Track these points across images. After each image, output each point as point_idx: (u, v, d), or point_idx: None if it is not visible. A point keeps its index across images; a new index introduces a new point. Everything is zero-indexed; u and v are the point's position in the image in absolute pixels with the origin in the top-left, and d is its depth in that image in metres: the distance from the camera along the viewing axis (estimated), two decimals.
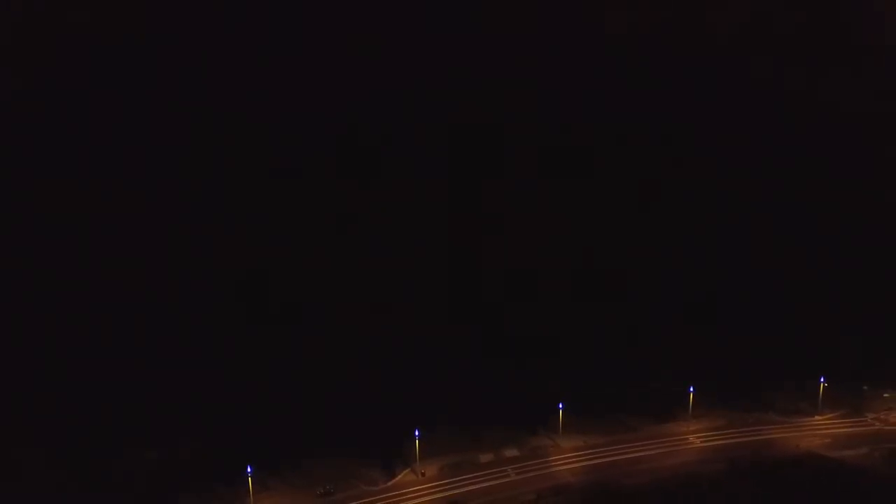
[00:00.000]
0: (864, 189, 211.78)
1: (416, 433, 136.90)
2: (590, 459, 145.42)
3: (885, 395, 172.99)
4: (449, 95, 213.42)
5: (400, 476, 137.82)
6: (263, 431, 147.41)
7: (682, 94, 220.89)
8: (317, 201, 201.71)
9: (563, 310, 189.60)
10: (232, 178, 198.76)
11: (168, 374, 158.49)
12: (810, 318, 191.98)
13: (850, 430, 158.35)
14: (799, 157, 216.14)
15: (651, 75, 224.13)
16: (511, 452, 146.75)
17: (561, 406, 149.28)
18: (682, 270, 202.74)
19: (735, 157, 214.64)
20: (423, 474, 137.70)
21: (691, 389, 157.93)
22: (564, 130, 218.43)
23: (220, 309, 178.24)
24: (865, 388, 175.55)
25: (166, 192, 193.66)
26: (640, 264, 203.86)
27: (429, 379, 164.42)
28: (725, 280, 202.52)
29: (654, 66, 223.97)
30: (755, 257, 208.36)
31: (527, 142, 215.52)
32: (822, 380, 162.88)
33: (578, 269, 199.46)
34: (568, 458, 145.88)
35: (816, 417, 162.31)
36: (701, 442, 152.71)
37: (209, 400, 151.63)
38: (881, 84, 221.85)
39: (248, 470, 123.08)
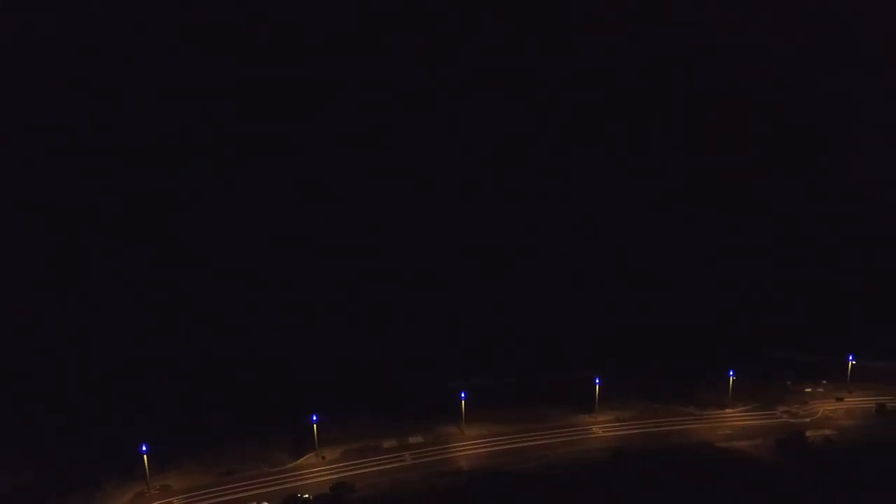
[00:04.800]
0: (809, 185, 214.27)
1: (314, 419, 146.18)
2: (488, 447, 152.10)
3: (808, 389, 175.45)
4: None
5: (303, 459, 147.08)
6: (190, 415, 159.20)
7: None
8: None
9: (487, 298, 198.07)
10: None
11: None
12: (743, 312, 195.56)
13: (755, 422, 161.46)
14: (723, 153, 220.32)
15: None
16: (415, 439, 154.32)
17: (463, 395, 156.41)
18: (613, 262, 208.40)
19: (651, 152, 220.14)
20: (323, 458, 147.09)
21: (597, 381, 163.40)
22: None
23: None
24: (789, 382, 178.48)
25: None
26: (568, 255, 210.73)
27: (349, 368, 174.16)
28: (661, 272, 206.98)
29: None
30: (693, 250, 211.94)
31: None
32: (731, 373, 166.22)
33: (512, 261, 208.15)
34: (468, 445, 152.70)
35: (727, 410, 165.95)
36: (602, 432, 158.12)
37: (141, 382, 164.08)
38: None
39: (144, 448, 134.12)
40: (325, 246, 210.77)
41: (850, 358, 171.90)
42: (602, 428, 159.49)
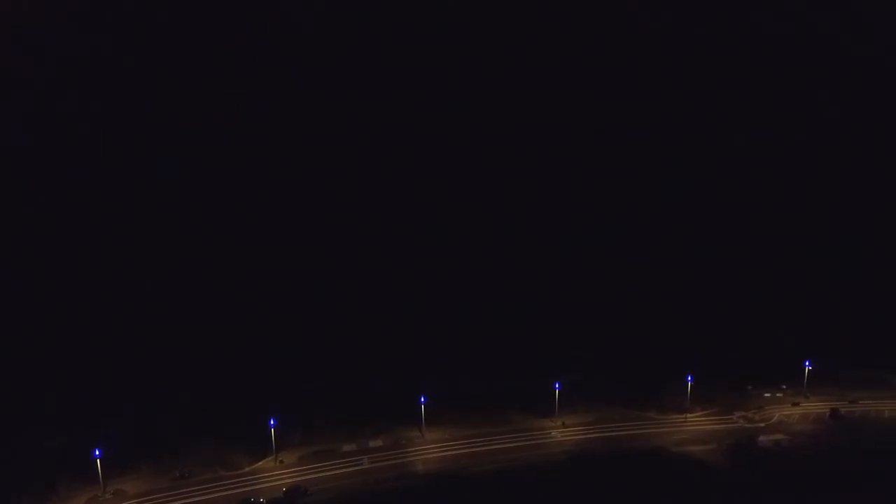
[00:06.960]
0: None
1: (272, 423, 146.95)
2: (447, 451, 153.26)
3: (766, 394, 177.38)
4: None
5: (261, 462, 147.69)
6: (153, 419, 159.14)
7: None
8: None
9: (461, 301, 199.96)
10: None
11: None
12: (710, 317, 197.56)
13: (713, 426, 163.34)
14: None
15: None
16: (375, 443, 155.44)
17: (423, 400, 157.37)
18: (590, 265, 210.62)
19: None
20: (281, 461, 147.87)
21: (557, 386, 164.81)
22: None
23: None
24: (750, 387, 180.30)
25: None
26: (546, 259, 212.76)
27: (316, 372, 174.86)
28: (635, 274, 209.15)
29: None
30: (662, 253, 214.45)
31: None
32: (689, 378, 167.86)
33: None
34: (427, 448, 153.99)
35: (686, 415, 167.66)
36: (561, 436, 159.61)
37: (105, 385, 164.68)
38: None
39: (97, 453, 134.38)
40: (311, 247, 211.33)
41: (807, 364, 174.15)
42: (561, 433, 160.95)
